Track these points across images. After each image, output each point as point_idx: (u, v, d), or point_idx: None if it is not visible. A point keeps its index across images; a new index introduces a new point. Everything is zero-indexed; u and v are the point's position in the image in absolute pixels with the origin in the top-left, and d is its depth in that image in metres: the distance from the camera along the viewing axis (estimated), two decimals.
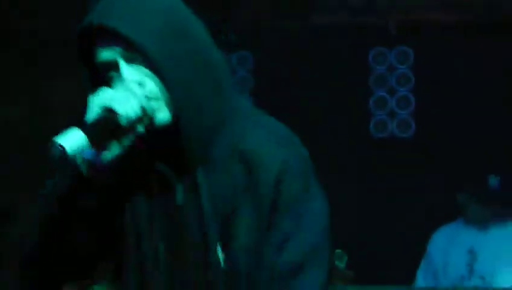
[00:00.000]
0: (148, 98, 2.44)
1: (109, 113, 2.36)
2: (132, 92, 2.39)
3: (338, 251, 5.65)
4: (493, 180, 5.74)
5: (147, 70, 2.46)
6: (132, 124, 2.42)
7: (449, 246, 5.87)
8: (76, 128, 2.30)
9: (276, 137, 2.66)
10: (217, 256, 2.61)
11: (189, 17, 2.58)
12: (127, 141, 2.50)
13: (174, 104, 2.48)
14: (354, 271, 5.66)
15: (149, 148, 2.61)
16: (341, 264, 5.66)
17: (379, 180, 6.88)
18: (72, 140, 2.28)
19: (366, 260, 6.17)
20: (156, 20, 2.46)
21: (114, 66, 2.47)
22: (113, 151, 2.48)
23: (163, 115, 2.47)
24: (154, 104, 2.44)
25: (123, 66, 2.42)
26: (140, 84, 2.44)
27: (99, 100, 2.43)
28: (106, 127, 2.38)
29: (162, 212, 2.65)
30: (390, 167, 6.90)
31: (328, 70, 7.02)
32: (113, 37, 2.40)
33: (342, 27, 7.10)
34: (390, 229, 6.80)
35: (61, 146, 2.25)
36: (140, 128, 2.48)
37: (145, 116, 2.44)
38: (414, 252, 6.01)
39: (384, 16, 7.09)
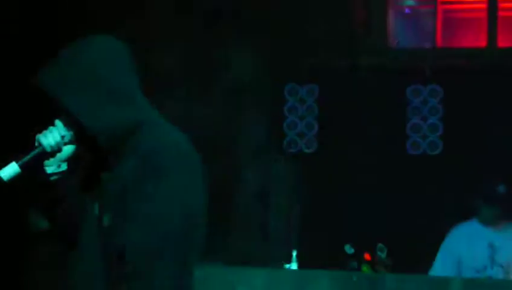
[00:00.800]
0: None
1: (38, 145, 2.74)
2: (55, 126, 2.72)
3: (380, 244, 5.68)
4: (502, 188, 5.76)
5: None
6: (55, 148, 2.74)
7: (470, 241, 5.86)
8: (13, 162, 2.72)
9: (163, 141, 2.73)
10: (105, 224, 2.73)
11: (97, 61, 2.81)
12: (60, 160, 2.79)
13: (87, 127, 2.69)
14: (393, 261, 5.69)
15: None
16: (382, 255, 5.66)
17: (412, 188, 6.79)
18: (8, 171, 2.73)
19: (404, 253, 6.04)
20: (70, 72, 2.72)
21: None
22: (49, 169, 2.79)
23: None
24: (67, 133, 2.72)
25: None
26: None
27: (37, 136, 2.77)
28: (36, 156, 2.75)
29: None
30: (422, 177, 6.84)
31: (377, 101, 7.00)
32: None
33: (388, 69, 7.11)
34: (423, 228, 6.66)
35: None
36: (66, 149, 2.76)
37: (64, 141, 2.74)
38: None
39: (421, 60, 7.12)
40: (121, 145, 2.75)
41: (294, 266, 5.40)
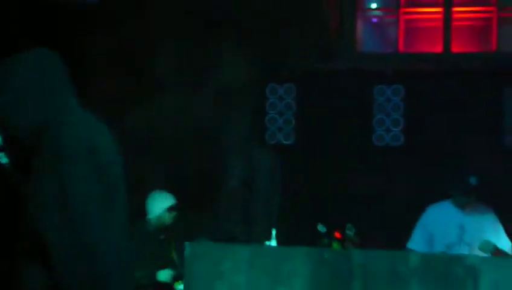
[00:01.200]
0: None
1: None
2: None
3: (349, 224, 5.66)
4: (473, 180, 5.74)
5: None
6: None
7: (442, 220, 5.85)
8: None
9: (64, 136, 2.83)
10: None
11: (21, 71, 2.88)
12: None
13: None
14: (360, 238, 5.69)
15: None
16: (351, 233, 5.64)
17: (378, 175, 6.86)
18: None
19: (370, 231, 6.07)
20: None
21: None
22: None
23: None
24: None
25: None
26: None
27: None
28: None
29: None
30: (386, 165, 6.92)
31: (347, 99, 7.07)
32: None
33: (357, 71, 7.13)
34: (386, 209, 6.79)
35: None
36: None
37: None
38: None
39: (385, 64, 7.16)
40: (36, 141, 2.90)
41: (273, 243, 5.43)
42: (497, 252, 5.64)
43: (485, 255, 5.54)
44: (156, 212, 6.19)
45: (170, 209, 6.19)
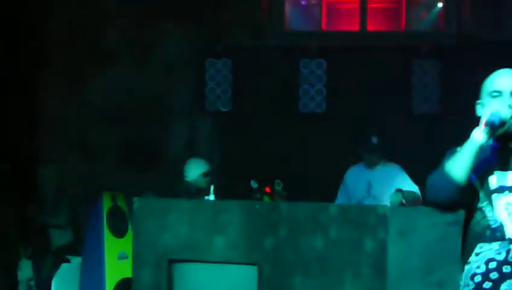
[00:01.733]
0: None
1: None
2: None
3: (278, 180, 5.68)
4: (375, 139, 5.84)
5: None
6: None
7: (356, 179, 5.94)
8: None
9: None
10: None
11: None
12: None
13: None
14: (287, 193, 5.71)
15: None
16: (279, 188, 5.68)
17: (303, 138, 6.90)
18: None
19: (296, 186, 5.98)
20: None
21: None
22: None
23: None
24: None
25: None
26: None
27: None
28: None
29: None
30: (311, 130, 6.97)
31: (276, 71, 7.08)
32: None
33: (285, 46, 7.17)
34: (309, 168, 6.84)
35: None
36: None
37: None
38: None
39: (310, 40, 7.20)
40: None
41: (212, 197, 5.41)
42: (415, 199, 5.60)
43: (396, 204, 5.53)
44: (192, 177, 6.07)
45: (204, 175, 6.06)
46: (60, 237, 6.27)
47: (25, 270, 6.16)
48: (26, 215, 6.26)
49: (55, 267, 6.18)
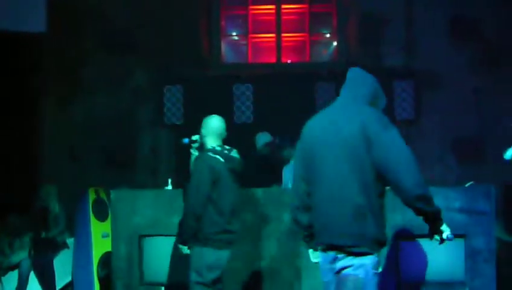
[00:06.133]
0: None
1: None
2: None
3: None
4: (276, 140, 5.82)
5: None
6: None
7: (285, 172, 5.64)
8: None
9: None
10: None
11: None
12: None
13: None
14: None
15: None
16: None
17: (239, 144, 6.88)
18: None
19: None
20: None
21: None
22: None
23: None
24: None
25: None
26: None
27: None
28: None
29: None
30: (243, 136, 6.30)
31: (217, 93, 6.91)
32: None
33: (222, 75, 7.04)
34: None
35: None
36: None
37: None
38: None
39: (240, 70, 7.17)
40: None
41: (169, 187, 5.27)
42: None
43: None
44: (259, 145, 5.82)
45: (266, 144, 5.78)
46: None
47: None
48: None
49: (54, 250, 6.03)
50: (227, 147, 4.06)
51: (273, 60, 7.37)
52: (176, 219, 4.58)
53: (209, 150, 3.93)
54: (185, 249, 3.80)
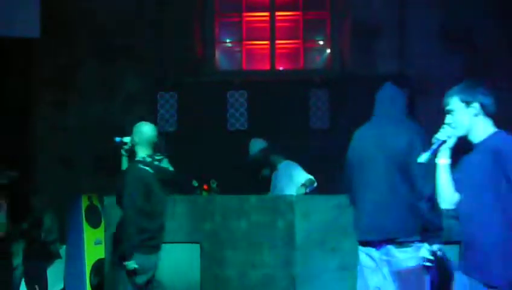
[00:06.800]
0: None
1: None
2: None
3: (212, 179, 5.54)
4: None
5: None
6: None
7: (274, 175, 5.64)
8: None
9: None
10: None
11: None
12: None
13: None
14: (221, 189, 5.47)
15: None
16: (214, 185, 5.56)
17: (231, 149, 6.53)
18: None
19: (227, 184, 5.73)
20: None
21: None
22: None
23: None
24: None
25: None
26: None
27: None
28: None
29: None
30: (236, 143, 6.48)
31: (211, 100, 6.82)
32: None
33: (216, 81, 7.06)
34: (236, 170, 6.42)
35: None
36: None
37: None
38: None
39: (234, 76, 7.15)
40: None
41: None
42: (312, 182, 5.35)
43: (302, 191, 5.35)
44: (253, 151, 5.79)
45: (261, 150, 5.75)
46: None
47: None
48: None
49: (47, 259, 5.95)
50: (157, 157, 4.12)
51: (267, 66, 7.34)
52: (170, 226, 4.52)
53: (139, 161, 4.03)
54: (132, 264, 3.95)
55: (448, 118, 2.74)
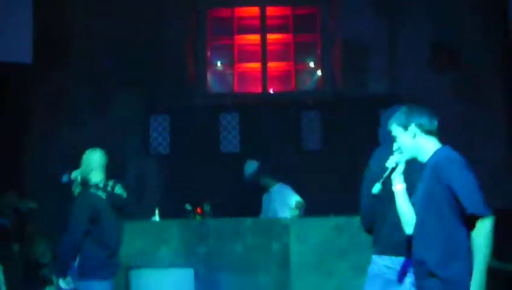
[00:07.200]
0: None
1: None
2: None
3: (206, 203, 5.50)
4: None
5: None
6: None
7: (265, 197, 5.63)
8: None
9: None
10: None
11: None
12: None
13: None
14: (213, 213, 5.48)
15: None
16: (207, 209, 5.46)
17: (224, 171, 6.61)
18: None
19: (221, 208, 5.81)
20: None
21: None
22: None
23: None
24: None
25: None
26: None
27: None
28: None
29: None
30: (228, 163, 6.68)
31: (203, 123, 6.85)
32: None
33: (208, 104, 7.02)
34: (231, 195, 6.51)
35: None
36: None
37: None
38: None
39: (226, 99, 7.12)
40: None
41: (157, 218, 5.30)
42: (302, 205, 5.38)
43: (295, 213, 5.36)
44: (248, 173, 5.85)
45: (255, 172, 5.80)
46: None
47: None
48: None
49: (42, 286, 5.87)
50: (110, 183, 4.15)
51: (259, 89, 7.35)
52: (164, 251, 4.53)
53: (92, 187, 4.07)
54: (64, 282, 3.99)
55: (395, 145, 2.79)
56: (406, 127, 2.74)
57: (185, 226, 4.92)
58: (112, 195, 4.07)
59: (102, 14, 7.09)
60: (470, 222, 2.52)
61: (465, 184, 2.51)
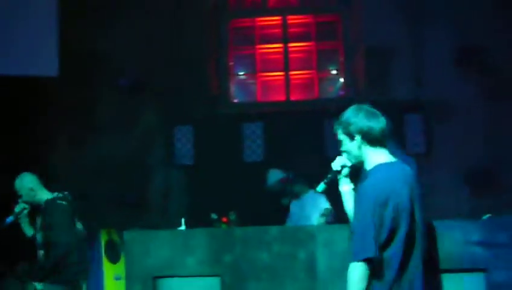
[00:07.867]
0: None
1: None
2: None
3: (231, 212, 5.58)
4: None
5: None
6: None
7: (293, 206, 5.71)
8: None
9: None
10: None
11: None
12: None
13: None
14: (240, 221, 5.56)
15: None
16: (233, 218, 5.53)
17: (248, 180, 6.55)
18: None
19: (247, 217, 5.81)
20: None
21: None
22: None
23: None
24: None
25: None
26: None
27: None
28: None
29: None
30: (252, 173, 6.50)
31: (227, 132, 6.86)
32: None
33: (231, 114, 7.11)
34: (256, 205, 6.39)
35: None
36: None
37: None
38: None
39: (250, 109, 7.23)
40: None
41: (183, 228, 5.18)
42: (330, 212, 5.35)
43: (322, 221, 5.35)
44: (270, 182, 5.80)
45: (278, 181, 5.76)
46: None
47: None
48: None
49: None
50: (61, 194, 4.41)
51: (282, 97, 7.36)
52: (190, 260, 4.50)
53: (55, 198, 4.30)
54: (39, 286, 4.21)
55: (342, 147, 2.70)
56: (351, 137, 2.64)
57: (211, 235, 4.84)
58: (70, 202, 4.32)
59: (125, 28, 7.16)
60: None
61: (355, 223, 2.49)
